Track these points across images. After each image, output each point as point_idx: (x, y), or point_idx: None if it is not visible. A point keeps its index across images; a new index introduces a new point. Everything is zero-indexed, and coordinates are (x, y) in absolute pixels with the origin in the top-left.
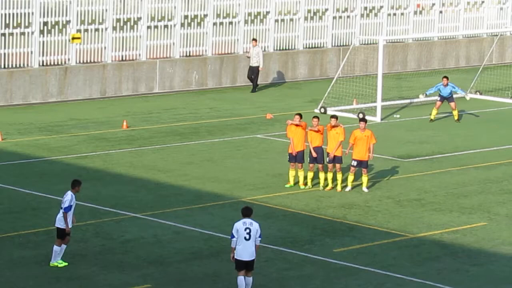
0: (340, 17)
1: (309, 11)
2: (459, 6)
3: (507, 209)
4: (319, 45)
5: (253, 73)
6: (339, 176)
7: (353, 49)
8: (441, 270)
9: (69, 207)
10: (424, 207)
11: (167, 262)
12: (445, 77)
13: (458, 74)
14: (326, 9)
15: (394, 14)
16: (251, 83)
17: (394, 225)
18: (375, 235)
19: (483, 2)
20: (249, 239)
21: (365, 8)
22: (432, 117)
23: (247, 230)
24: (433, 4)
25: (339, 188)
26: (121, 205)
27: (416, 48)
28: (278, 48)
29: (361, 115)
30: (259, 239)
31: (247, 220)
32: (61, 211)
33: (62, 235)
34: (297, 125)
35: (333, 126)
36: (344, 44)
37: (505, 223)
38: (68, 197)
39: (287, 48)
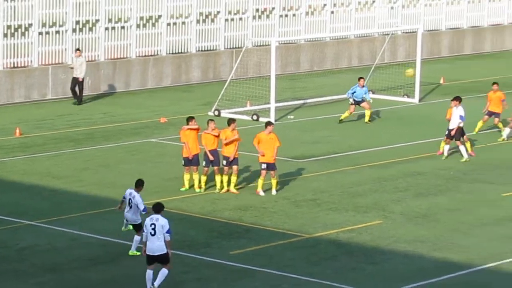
0: (232, 19)
1: (201, 14)
2: (351, 6)
3: (402, 207)
4: (212, 48)
5: (76, 84)
6: (234, 179)
7: (246, 51)
8: (337, 269)
9: None
10: (319, 207)
11: (63, 269)
12: (361, 78)
13: (351, 74)
14: (218, 12)
15: (286, 15)
16: (78, 95)
17: (290, 225)
18: (272, 236)
19: (374, 1)
20: (154, 234)
21: (257, 10)
22: (342, 117)
23: (152, 226)
24: (325, 5)
25: (233, 189)
26: (16, 213)
27: (308, 49)
28: (171, 52)
29: (255, 117)
30: (167, 234)
31: (154, 216)
32: None
33: None
34: (191, 128)
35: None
36: (237, 46)
37: (400, 221)
38: None
39: (180, 51)
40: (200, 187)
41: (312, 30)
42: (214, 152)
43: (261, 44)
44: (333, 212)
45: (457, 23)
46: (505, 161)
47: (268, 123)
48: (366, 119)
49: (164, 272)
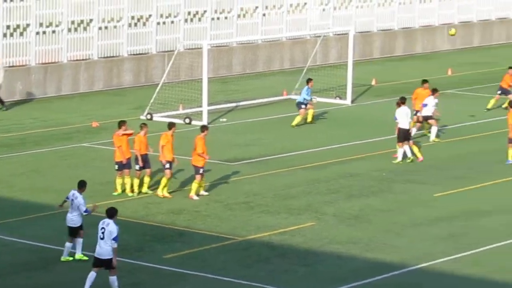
0: (164, 22)
1: (132, 17)
2: (282, 9)
3: (335, 208)
4: (143, 52)
5: None
6: (163, 181)
7: (178, 54)
8: (270, 271)
9: None
10: (252, 209)
11: None
12: (310, 79)
13: (283, 76)
14: (150, 15)
15: (218, 18)
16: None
17: (223, 228)
18: (205, 239)
19: (305, 4)
20: (103, 238)
21: (189, 13)
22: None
23: (102, 230)
24: (257, 7)
25: (166, 193)
26: None
27: (240, 52)
28: (102, 56)
29: (187, 120)
30: (113, 241)
31: (106, 221)
32: None
33: None
34: (126, 134)
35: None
36: (169, 49)
37: (332, 223)
38: None
39: (111, 55)
40: (132, 191)
41: (244, 32)
42: (145, 157)
43: (193, 47)
44: (265, 214)
45: (389, 25)
46: (437, 161)
47: (205, 127)
48: (309, 118)
49: (112, 281)
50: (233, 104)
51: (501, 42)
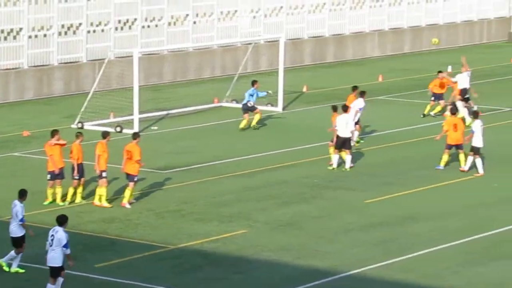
0: (94, 31)
1: (62, 26)
2: (213, 16)
3: (266, 216)
4: (74, 60)
5: None
6: (100, 191)
7: (109, 63)
8: (202, 279)
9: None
10: (184, 217)
11: None
12: (255, 81)
13: (214, 84)
14: (80, 24)
15: (148, 26)
16: None
17: (155, 237)
18: (137, 248)
19: (236, 11)
20: (51, 245)
21: (119, 21)
22: (243, 125)
23: (51, 237)
24: (187, 15)
25: (105, 203)
26: None
27: (171, 59)
28: (32, 65)
29: (118, 129)
30: (65, 249)
31: (55, 228)
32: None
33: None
34: (56, 143)
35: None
36: (100, 58)
37: (264, 230)
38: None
39: (41, 64)
40: (63, 200)
41: (175, 40)
42: (80, 165)
43: (124, 55)
44: (197, 222)
45: (319, 31)
46: (368, 167)
47: (137, 134)
48: (254, 122)
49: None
50: (164, 112)
51: (431, 48)
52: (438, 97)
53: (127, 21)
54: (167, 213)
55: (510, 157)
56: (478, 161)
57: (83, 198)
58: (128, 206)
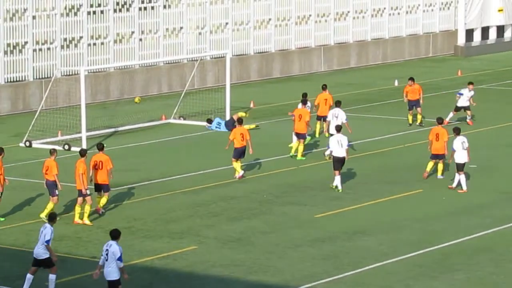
0: (40, 49)
1: (8, 45)
2: (159, 33)
3: (216, 231)
4: (20, 79)
5: None
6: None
7: (55, 81)
8: None
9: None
10: (134, 234)
11: None
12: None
13: (161, 101)
14: (26, 42)
15: (95, 44)
16: None
17: None
18: (86, 265)
19: (182, 28)
20: (107, 260)
21: (65, 39)
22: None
23: (106, 252)
24: (133, 32)
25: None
26: None
27: (118, 77)
28: None
29: (66, 147)
30: (119, 262)
31: (109, 242)
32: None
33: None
34: None
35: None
36: (46, 76)
37: (214, 246)
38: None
39: None
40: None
41: (121, 58)
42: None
43: (70, 73)
44: (147, 239)
45: (265, 47)
46: (317, 182)
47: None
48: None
49: None
50: (112, 130)
51: (377, 63)
52: (414, 104)
53: (73, 39)
54: None
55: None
56: (462, 178)
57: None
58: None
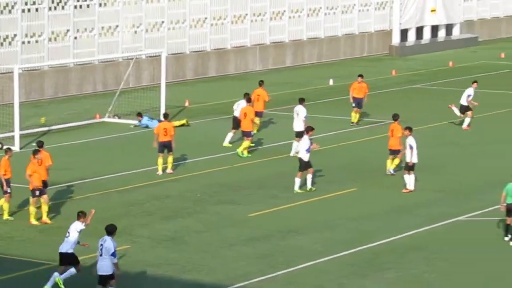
0: None
1: None
2: (94, 31)
3: (150, 230)
4: None
5: None
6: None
7: None
8: None
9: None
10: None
11: None
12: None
13: (96, 99)
14: None
15: (29, 42)
16: None
17: (38, 254)
18: (19, 265)
19: (117, 26)
20: (101, 254)
21: None
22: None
23: (100, 247)
24: (68, 30)
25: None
26: None
27: (52, 75)
28: None
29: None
30: (112, 257)
31: (104, 237)
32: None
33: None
34: None
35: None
36: None
37: (148, 245)
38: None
39: None
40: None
41: (56, 56)
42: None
43: (4, 71)
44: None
45: (201, 46)
46: (251, 181)
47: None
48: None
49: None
50: (46, 128)
51: (313, 62)
52: (358, 102)
53: (7, 36)
54: (50, 230)
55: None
56: (411, 178)
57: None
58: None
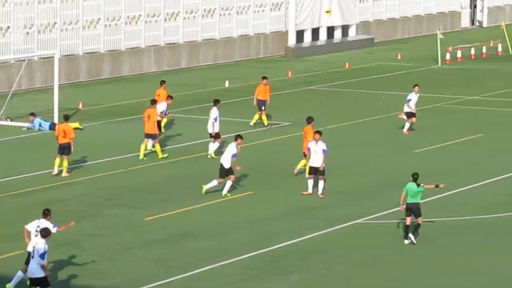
0: None
1: None
2: None
3: None
4: None
5: None
6: None
7: None
8: None
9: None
10: None
11: None
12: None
13: None
14: None
15: None
16: None
17: None
18: None
19: (9, 27)
20: (33, 256)
21: None
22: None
23: (32, 248)
24: None
25: None
26: None
27: None
28: None
29: None
30: (40, 259)
31: (38, 240)
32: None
33: None
34: None
35: None
36: None
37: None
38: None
39: None
40: None
41: None
42: None
43: None
44: None
45: (94, 47)
46: (147, 184)
47: None
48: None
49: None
50: None
51: (208, 63)
52: (262, 104)
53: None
54: None
55: (288, 171)
56: (310, 182)
57: None
58: None
